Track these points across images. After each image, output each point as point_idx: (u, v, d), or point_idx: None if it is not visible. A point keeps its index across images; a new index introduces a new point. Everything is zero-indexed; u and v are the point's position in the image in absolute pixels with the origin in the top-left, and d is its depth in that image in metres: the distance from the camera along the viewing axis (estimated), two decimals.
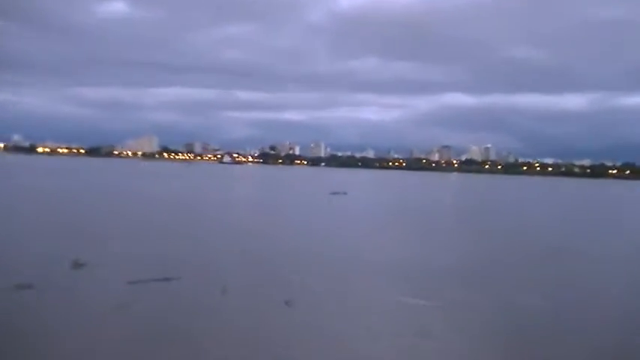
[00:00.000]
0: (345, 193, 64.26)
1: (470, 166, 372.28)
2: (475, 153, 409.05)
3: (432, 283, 16.82)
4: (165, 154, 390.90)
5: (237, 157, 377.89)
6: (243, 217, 35.63)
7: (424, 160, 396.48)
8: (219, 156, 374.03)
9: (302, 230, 29.75)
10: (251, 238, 25.46)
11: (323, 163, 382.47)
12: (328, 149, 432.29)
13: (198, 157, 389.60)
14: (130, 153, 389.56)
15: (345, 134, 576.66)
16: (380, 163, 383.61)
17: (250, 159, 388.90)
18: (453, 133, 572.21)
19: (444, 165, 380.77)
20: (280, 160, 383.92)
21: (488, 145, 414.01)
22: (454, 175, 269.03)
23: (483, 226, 36.10)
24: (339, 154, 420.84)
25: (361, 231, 30.63)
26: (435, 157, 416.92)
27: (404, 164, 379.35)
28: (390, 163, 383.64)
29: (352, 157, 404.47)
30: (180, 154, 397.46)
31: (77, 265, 16.79)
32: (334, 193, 63.41)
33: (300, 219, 36.60)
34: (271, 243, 23.96)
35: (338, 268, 18.65)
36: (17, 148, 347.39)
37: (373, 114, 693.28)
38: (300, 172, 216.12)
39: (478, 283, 17.10)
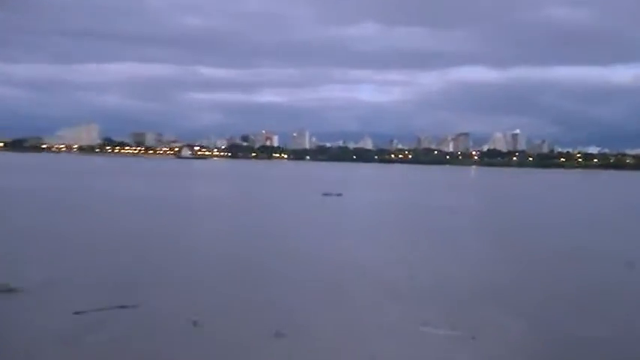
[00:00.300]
0: (339, 195, 65.01)
1: (493, 158, 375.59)
2: (499, 142, 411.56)
3: (457, 307, 16.74)
4: (109, 148, 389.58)
5: (200, 151, 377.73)
6: (215, 227, 35.58)
7: (435, 152, 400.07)
8: (176, 149, 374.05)
9: (291, 242, 29.71)
10: (227, 253, 25.38)
11: (308, 157, 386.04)
12: (314, 139, 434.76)
13: (150, 151, 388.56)
14: (63, 146, 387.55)
15: (336, 120, 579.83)
16: (380, 155, 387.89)
17: (217, 152, 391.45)
18: (471, 117, 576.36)
19: (460, 157, 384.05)
20: (254, 154, 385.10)
21: (517, 132, 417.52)
22: (473, 170, 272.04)
23: (512, 236, 36.12)
24: (329, 145, 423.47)
25: (365, 242, 30.71)
26: (449, 147, 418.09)
27: (410, 156, 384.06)
28: (393, 156, 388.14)
29: (345, 149, 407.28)
30: (127, 147, 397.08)
31: (7, 290, 16.62)
32: (326, 195, 64.32)
33: (285, 227, 36.63)
34: (253, 259, 23.86)
35: (340, 289, 18.59)
36: None
37: (371, 94, 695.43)
38: (280, 167, 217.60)
39: (511, 307, 17.01)
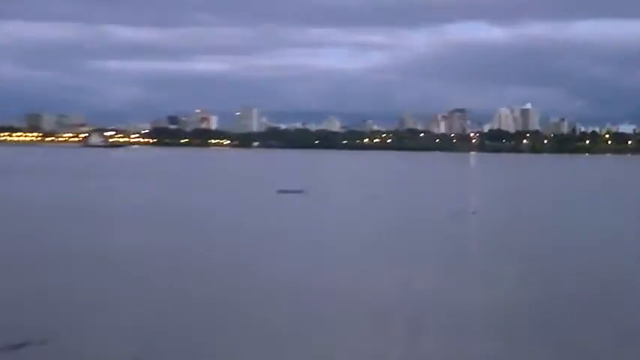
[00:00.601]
0: (300, 192, 65.77)
1: (497, 141, 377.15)
2: (506, 120, 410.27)
3: (466, 339, 16.80)
4: None
5: (114, 137, 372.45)
6: (132, 242, 35.22)
7: (423, 134, 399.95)
8: (84, 135, 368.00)
9: (242, 257, 29.59)
10: (142, 275, 25.45)
11: (257, 143, 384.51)
12: (265, 120, 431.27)
13: (50, 138, 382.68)
14: None
15: (293, 95, 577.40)
16: (351, 140, 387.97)
17: (137, 139, 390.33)
18: (468, 89, 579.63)
19: (454, 141, 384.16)
20: (186, 140, 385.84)
21: (528, 107, 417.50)
22: (472, 158, 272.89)
23: (522, 248, 36.15)
24: (284, 127, 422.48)
25: (334, 258, 30.67)
26: (441, 128, 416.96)
27: (390, 141, 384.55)
28: (368, 140, 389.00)
29: (305, 132, 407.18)
30: (18, 132, 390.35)
31: None
32: (283, 192, 65.00)
33: (225, 240, 36.58)
34: (190, 286, 23.79)
35: (314, 318, 18.62)
36: None
37: (339, 61, 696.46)
38: (221, 157, 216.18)
39: (529, 336, 17.15)
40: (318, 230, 41.10)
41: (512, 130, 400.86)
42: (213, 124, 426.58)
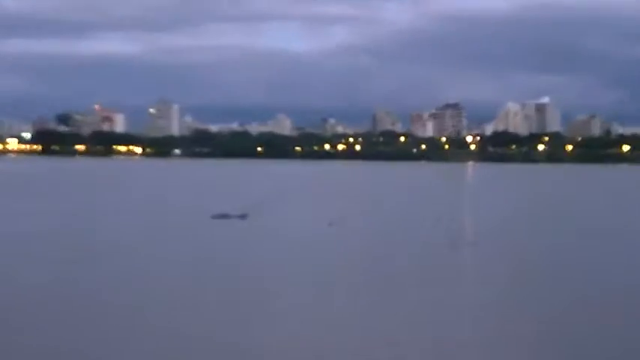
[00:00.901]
0: (243, 217, 66.98)
1: (503, 147, 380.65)
2: (515, 119, 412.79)
3: None
4: None
5: None
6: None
7: (402, 138, 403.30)
8: None
9: (153, 309, 29.80)
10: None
11: (178, 150, 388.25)
12: (189, 119, 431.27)
13: None
14: None
15: (227, 86, 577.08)
16: (307, 146, 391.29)
17: (15, 146, 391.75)
18: (465, 77, 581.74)
19: (446, 147, 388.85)
20: (82, 146, 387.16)
21: (544, 101, 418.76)
22: (470, 169, 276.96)
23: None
24: (215, 128, 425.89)
25: (285, 307, 30.82)
26: (428, 129, 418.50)
27: (359, 147, 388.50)
28: (330, 147, 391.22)
29: (244, 136, 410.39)
30: None
31: None
32: (221, 217, 66.31)
33: (143, 282, 36.65)
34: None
35: None
36: None
37: (289, 39, 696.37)
38: (130, 169, 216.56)
39: None
40: (261, 269, 41.58)
41: (523, 132, 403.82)
42: (119, 125, 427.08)
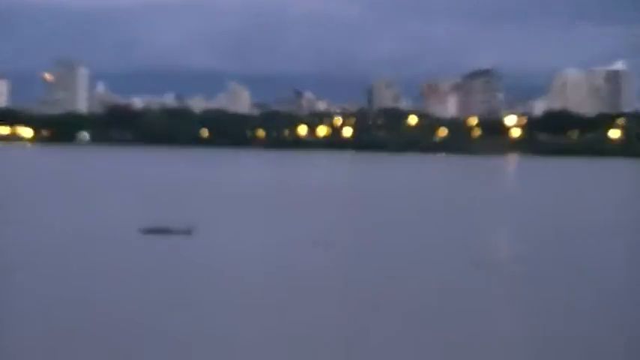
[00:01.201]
0: (187, 233, 63.16)
1: (557, 133, 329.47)
2: (577, 92, 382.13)
3: None
4: None
5: None
6: None
7: (412, 120, 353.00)
8: None
9: None
10: None
11: (86, 134, 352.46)
12: (101, 89, 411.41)
13: None
14: None
15: (155, 42, 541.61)
16: (274, 130, 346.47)
17: None
18: (501, 33, 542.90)
19: (475, 132, 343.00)
20: None
21: (618, 67, 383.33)
22: (512, 166, 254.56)
23: None
24: (140, 102, 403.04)
25: None
26: (449, 107, 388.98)
27: (347, 132, 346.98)
28: (307, 132, 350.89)
29: (183, 115, 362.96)
30: None
31: None
32: (155, 233, 63.06)
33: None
34: None
35: None
36: None
37: None
38: (16, 160, 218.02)
39: None
40: (204, 312, 37.32)
41: (589, 111, 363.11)
42: (2, 98, 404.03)
